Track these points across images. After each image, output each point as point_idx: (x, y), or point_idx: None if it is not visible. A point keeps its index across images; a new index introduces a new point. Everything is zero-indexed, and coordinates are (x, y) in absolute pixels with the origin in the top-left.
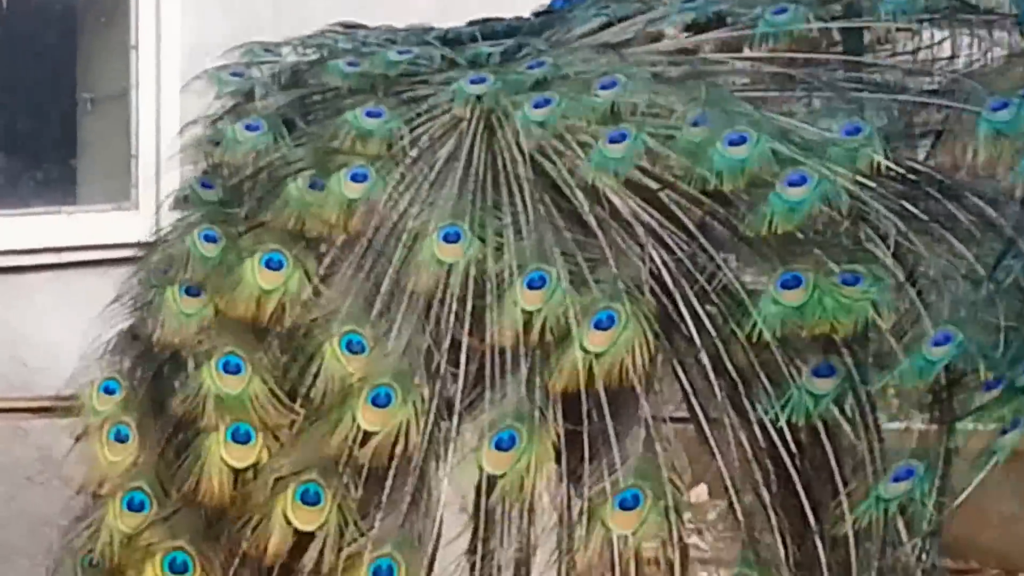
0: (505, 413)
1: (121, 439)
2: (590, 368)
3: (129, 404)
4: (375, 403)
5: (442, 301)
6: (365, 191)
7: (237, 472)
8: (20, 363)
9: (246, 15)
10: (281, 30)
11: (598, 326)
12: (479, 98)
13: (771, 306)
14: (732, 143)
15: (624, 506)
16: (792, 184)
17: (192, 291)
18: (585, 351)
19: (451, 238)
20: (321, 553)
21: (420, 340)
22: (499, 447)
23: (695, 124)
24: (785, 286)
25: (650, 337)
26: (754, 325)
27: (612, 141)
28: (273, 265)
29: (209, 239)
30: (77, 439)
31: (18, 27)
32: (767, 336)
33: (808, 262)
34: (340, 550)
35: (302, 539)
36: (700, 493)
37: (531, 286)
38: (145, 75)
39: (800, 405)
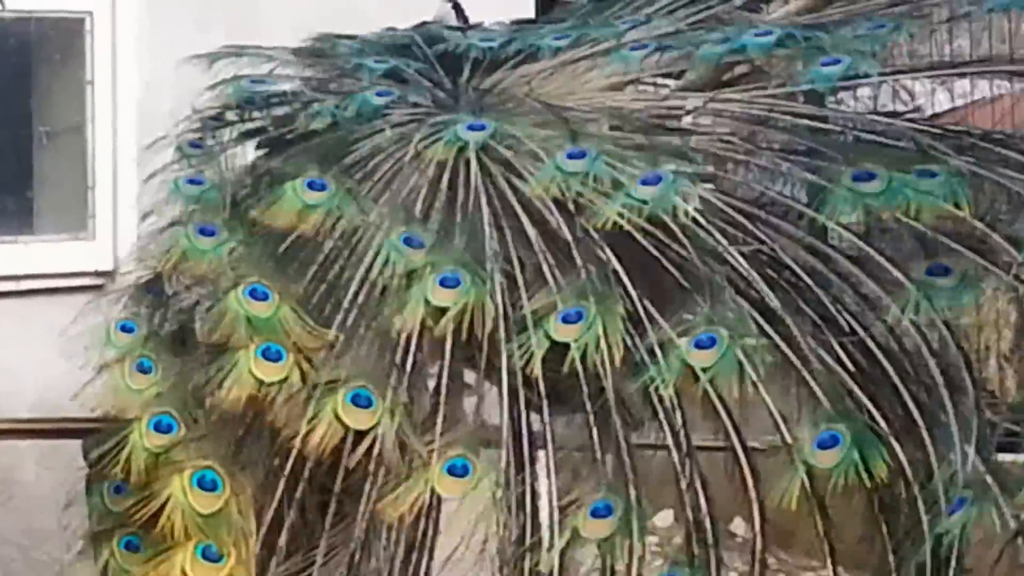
0: (567, 296)
1: (144, 370)
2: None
3: (149, 341)
4: (443, 285)
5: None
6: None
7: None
8: None
9: (202, 50)
10: (236, 64)
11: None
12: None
13: (845, 193)
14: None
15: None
16: None
17: (208, 231)
18: None
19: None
20: (378, 457)
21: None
22: (566, 321)
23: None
24: (858, 179)
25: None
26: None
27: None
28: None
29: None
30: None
31: None
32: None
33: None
34: (402, 449)
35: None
36: (666, 517)
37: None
38: (101, 109)
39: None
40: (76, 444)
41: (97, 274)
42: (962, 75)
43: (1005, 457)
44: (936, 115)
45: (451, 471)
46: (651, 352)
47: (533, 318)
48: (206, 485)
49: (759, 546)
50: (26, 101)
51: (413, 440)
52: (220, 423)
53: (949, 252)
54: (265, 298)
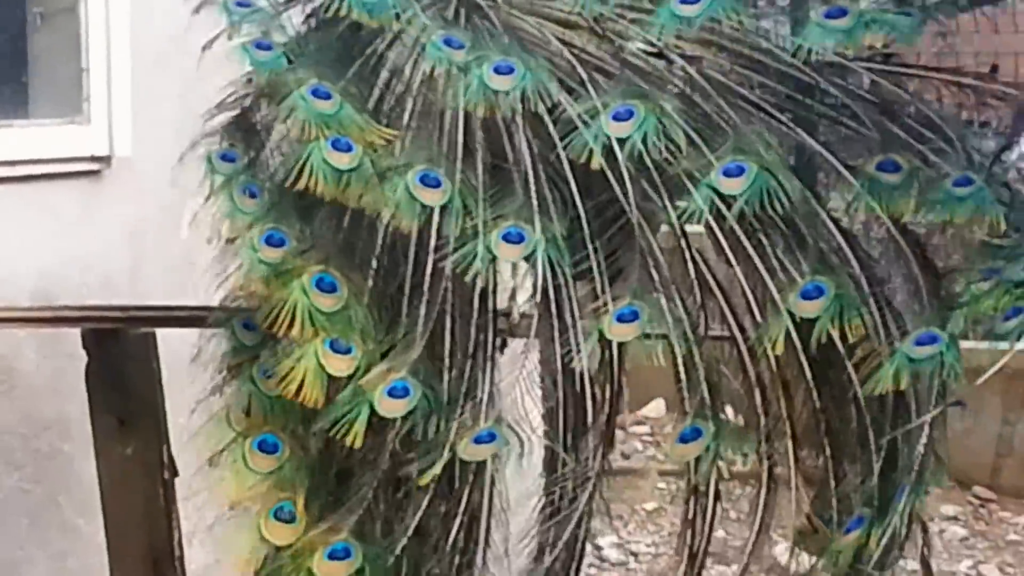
0: (615, 98)
1: (252, 195)
2: None
3: (249, 167)
4: (497, 72)
5: None
6: None
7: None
8: None
9: None
10: None
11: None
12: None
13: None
14: None
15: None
16: None
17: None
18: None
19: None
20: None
21: None
22: (617, 119)
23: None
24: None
25: None
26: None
27: None
28: None
29: None
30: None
31: None
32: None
33: None
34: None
35: None
36: (658, 408)
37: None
38: None
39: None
40: (75, 333)
41: (93, 159)
42: None
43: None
44: None
45: (507, 238)
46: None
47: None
48: (325, 287)
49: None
50: None
51: (475, 212)
52: (323, 228)
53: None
54: (328, 97)
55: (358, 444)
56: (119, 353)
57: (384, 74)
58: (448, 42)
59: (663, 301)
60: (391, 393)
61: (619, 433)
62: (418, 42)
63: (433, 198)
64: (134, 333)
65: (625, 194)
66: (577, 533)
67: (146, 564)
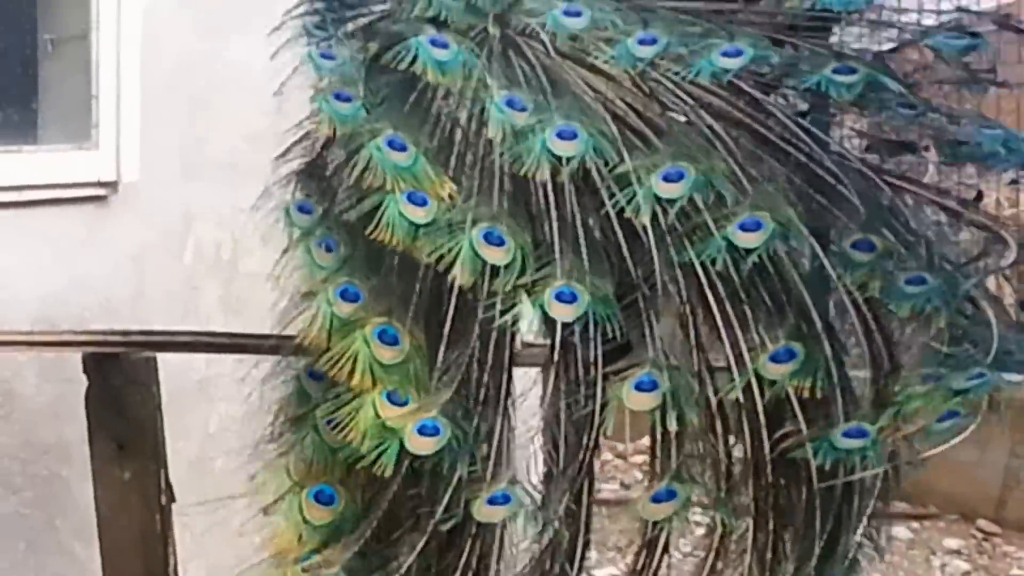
0: (667, 157)
1: (329, 249)
2: None
3: (325, 219)
4: (560, 137)
5: None
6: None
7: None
8: None
9: None
10: None
11: None
12: None
13: None
14: None
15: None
16: None
17: (344, 96)
18: None
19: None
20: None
21: None
22: (668, 180)
23: None
24: None
25: None
26: None
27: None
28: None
29: None
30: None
31: None
32: None
33: None
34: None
35: None
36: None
37: None
38: (106, 16)
39: None
40: (76, 357)
41: (100, 184)
42: None
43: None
44: None
45: (559, 298)
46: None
47: (636, 174)
48: (387, 339)
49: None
50: (31, 8)
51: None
52: (390, 278)
53: None
54: (403, 149)
55: (388, 473)
56: (119, 377)
57: (448, 127)
58: (511, 103)
59: (678, 371)
60: (421, 431)
61: (620, 463)
62: (482, 100)
63: (496, 256)
64: (135, 358)
65: (658, 257)
66: (570, 564)
67: None
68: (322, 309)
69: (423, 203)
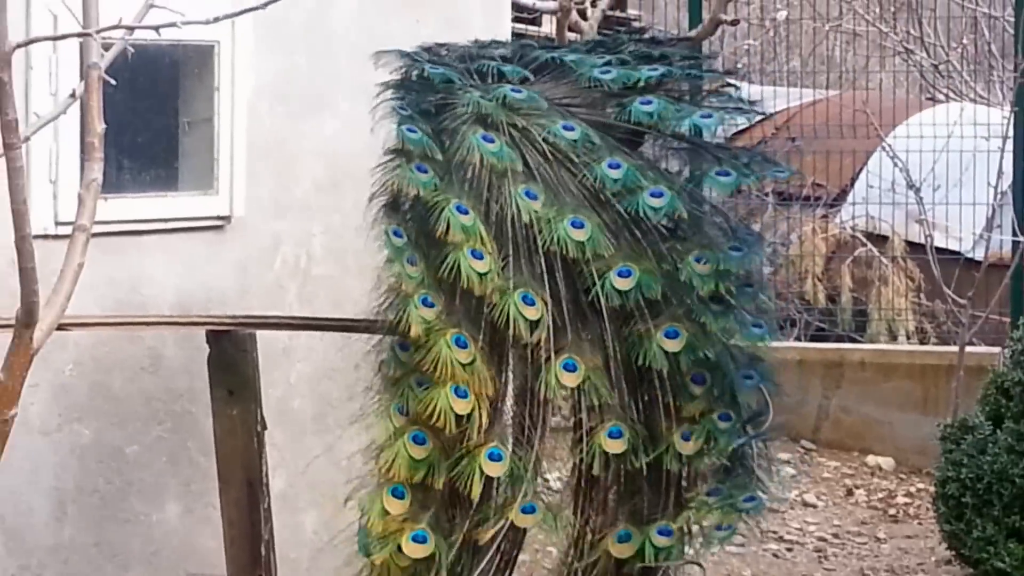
0: (619, 258)
1: (413, 264)
2: None
3: (410, 242)
4: (574, 225)
5: None
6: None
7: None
8: (138, 293)
9: (292, 67)
10: (314, 76)
11: None
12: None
13: None
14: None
15: None
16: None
17: (422, 168)
18: None
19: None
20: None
21: None
22: (621, 275)
23: None
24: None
25: None
26: None
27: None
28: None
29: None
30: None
31: (140, 71)
32: None
33: None
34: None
35: None
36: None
37: None
38: (224, 106)
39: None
40: (202, 332)
41: (219, 218)
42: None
43: (817, 344)
44: (775, 112)
45: (566, 368)
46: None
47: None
48: (461, 343)
49: None
50: (175, 100)
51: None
52: (459, 304)
53: None
54: (467, 212)
55: (475, 495)
56: (230, 346)
57: (486, 202)
58: (528, 194)
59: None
60: (490, 457)
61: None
62: (510, 188)
63: (531, 314)
64: (240, 333)
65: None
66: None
67: (244, 487)
68: (412, 309)
69: (481, 257)
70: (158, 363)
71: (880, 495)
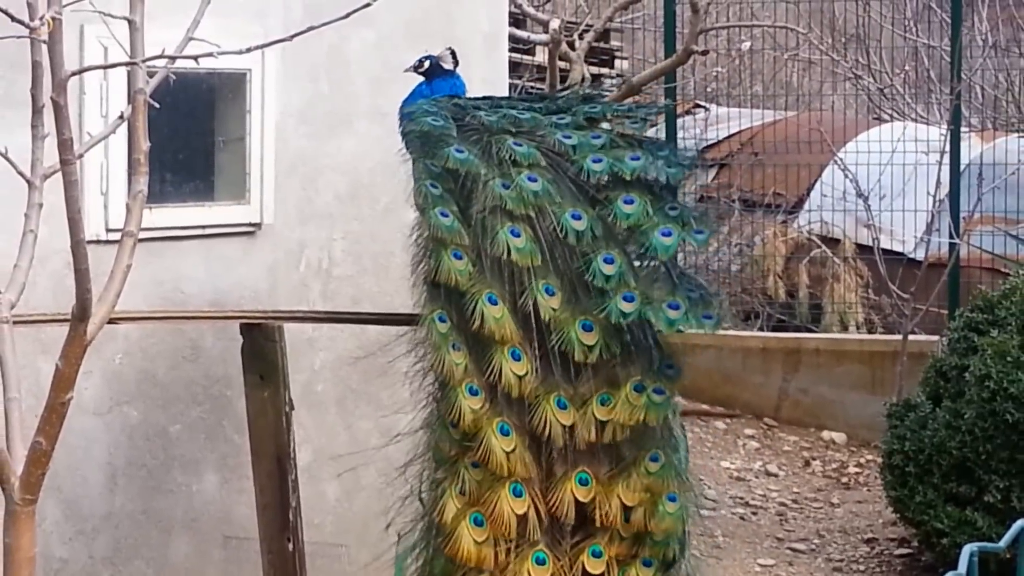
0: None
1: (457, 349)
2: None
3: (453, 328)
4: (548, 292)
5: None
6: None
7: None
8: (179, 291)
9: (315, 92)
10: (335, 100)
11: None
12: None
13: None
14: None
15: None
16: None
17: (457, 255)
18: None
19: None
20: None
21: None
22: (584, 328)
23: None
24: None
25: None
26: None
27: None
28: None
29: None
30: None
31: (181, 96)
32: None
33: None
34: None
35: None
36: None
37: None
38: (254, 127)
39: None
40: (235, 325)
41: (250, 225)
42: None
43: (777, 334)
44: (740, 131)
45: (559, 404)
46: None
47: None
48: (504, 432)
49: None
50: (211, 121)
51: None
52: (500, 394)
53: None
54: (495, 304)
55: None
56: (261, 337)
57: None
58: (547, 290)
59: None
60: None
61: None
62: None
63: (564, 418)
64: (270, 325)
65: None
66: None
67: (274, 461)
68: (460, 401)
69: (519, 358)
70: (197, 352)
71: (834, 466)
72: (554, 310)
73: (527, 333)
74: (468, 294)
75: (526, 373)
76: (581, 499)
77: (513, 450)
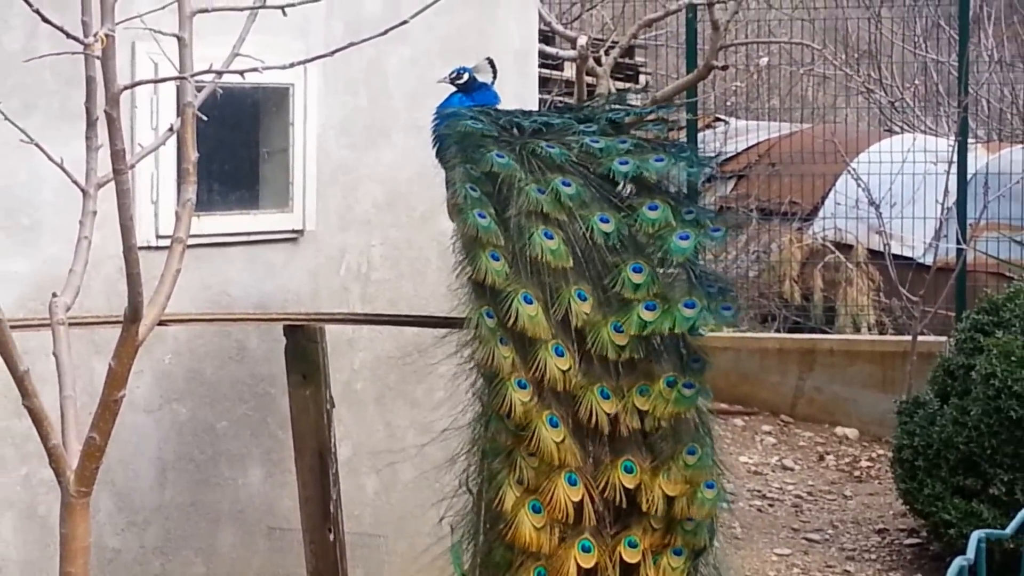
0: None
1: (504, 344)
2: None
3: (499, 327)
4: (580, 298)
5: None
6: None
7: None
8: (226, 294)
9: (355, 106)
10: (373, 113)
11: None
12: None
13: None
14: None
15: None
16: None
17: (495, 256)
18: None
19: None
20: None
21: None
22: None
23: None
24: None
25: None
26: None
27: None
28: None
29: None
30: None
31: (227, 109)
32: None
33: None
34: None
35: None
36: None
37: None
38: (297, 139)
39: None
40: (279, 326)
41: (293, 232)
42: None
43: (793, 335)
44: (759, 142)
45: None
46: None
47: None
48: (553, 423)
49: None
50: (256, 133)
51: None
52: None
53: None
54: (531, 303)
55: None
56: (303, 338)
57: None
58: (580, 296)
59: None
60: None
61: None
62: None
63: (607, 407)
64: (312, 327)
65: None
66: None
67: (315, 456)
68: (510, 394)
69: (562, 354)
70: (243, 353)
71: (847, 460)
72: (586, 315)
73: (564, 334)
74: (504, 293)
75: (569, 367)
76: (628, 485)
77: (563, 440)
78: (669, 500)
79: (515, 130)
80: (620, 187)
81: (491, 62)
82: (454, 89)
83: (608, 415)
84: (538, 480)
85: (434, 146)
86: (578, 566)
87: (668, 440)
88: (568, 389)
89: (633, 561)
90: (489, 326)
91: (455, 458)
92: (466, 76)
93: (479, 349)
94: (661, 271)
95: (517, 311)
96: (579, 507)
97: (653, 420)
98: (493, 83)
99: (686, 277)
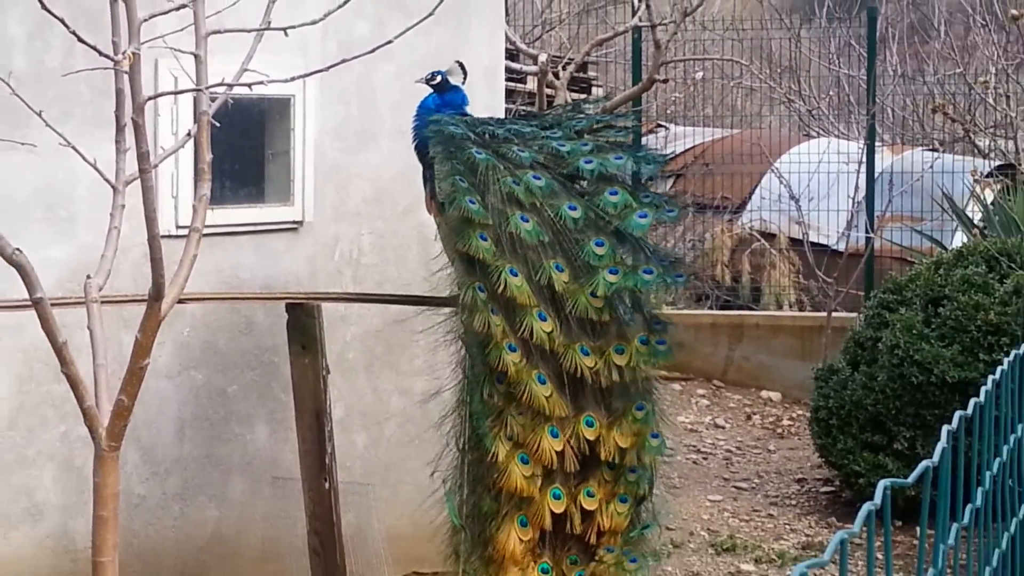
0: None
1: (496, 314)
2: None
3: (491, 298)
4: (558, 269)
5: None
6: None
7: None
8: (236, 277)
9: (347, 114)
10: (363, 120)
11: None
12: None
13: None
14: None
15: None
16: None
17: (484, 236)
18: None
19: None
20: None
21: None
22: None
23: None
24: None
25: None
26: None
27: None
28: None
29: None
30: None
31: (237, 117)
32: None
33: None
34: None
35: None
36: None
37: None
38: (297, 142)
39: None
40: (282, 304)
41: (294, 223)
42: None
43: (724, 312)
44: (694, 145)
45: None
46: None
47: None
48: (541, 380)
49: None
50: (262, 138)
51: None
52: (533, 350)
53: None
54: (516, 275)
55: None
56: (303, 314)
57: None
58: (558, 268)
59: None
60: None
61: None
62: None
63: (589, 363)
64: (310, 304)
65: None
66: None
67: (313, 416)
68: (503, 355)
69: (545, 318)
70: (251, 327)
71: (771, 419)
72: (565, 283)
73: (545, 302)
74: (493, 267)
75: (552, 330)
76: (589, 438)
77: (551, 395)
78: (622, 452)
79: (488, 136)
80: (585, 184)
81: (461, 65)
82: (430, 90)
83: (591, 369)
84: (525, 435)
85: (414, 142)
86: (551, 512)
87: (621, 398)
88: (553, 348)
89: (591, 508)
90: (482, 299)
91: (442, 420)
92: (439, 78)
93: (475, 319)
94: (620, 250)
95: (506, 281)
96: (560, 456)
97: (631, 372)
98: (464, 83)
99: (642, 251)
